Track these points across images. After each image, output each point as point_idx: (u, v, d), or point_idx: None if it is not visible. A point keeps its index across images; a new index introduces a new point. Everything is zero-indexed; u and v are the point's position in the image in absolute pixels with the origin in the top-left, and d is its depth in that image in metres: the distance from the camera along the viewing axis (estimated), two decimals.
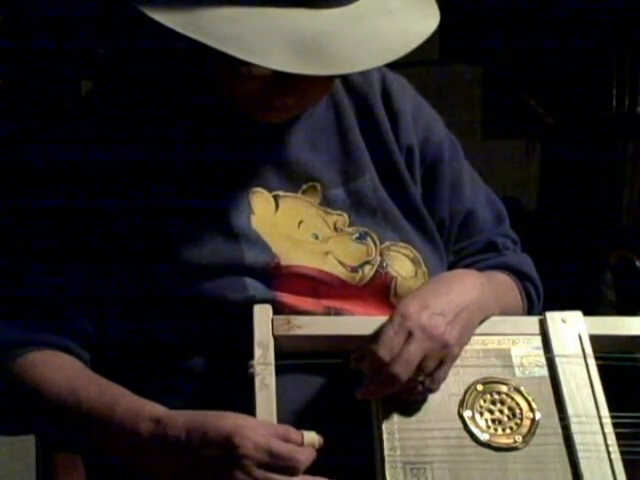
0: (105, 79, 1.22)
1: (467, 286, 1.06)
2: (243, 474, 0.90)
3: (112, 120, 1.09)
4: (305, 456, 0.92)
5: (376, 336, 0.97)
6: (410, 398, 1.00)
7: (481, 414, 1.02)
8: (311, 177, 1.13)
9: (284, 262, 1.07)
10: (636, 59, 2.81)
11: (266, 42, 0.91)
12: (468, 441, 1.00)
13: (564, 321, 1.09)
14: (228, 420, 0.93)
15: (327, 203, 1.13)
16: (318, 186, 1.13)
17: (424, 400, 1.02)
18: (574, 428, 1.01)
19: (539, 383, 1.05)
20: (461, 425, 1.01)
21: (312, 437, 0.94)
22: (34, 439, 1.17)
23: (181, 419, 0.94)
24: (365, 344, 0.98)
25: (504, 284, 1.20)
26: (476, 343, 1.06)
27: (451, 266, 1.21)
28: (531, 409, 1.03)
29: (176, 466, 0.94)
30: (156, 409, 0.97)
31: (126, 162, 1.07)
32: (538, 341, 1.08)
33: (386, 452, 0.98)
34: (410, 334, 0.97)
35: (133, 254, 1.05)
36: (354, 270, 1.10)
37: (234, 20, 0.91)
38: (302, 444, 0.93)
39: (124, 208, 1.06)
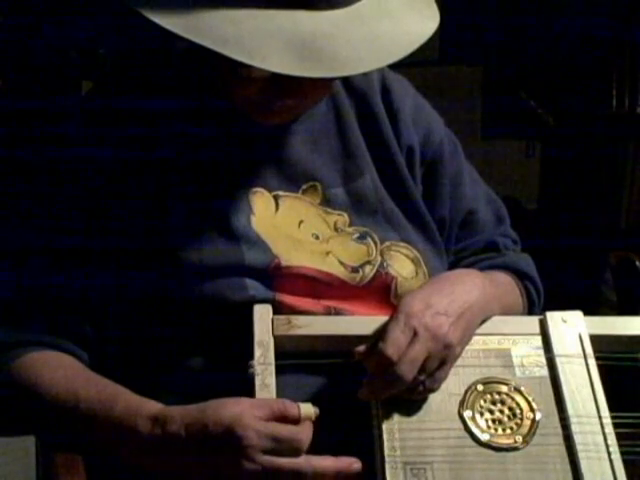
0: (105, 79, 1.22)
1: (469, 286, 1.06)
2: (250, 463, 0.91)
3: (112, 120, 1.09)
4: (305, 434, 0.93)
5: (382, 335, 0.97)
6: (411, 398, 1.00)
7: (481, 414, 1.02)
8: (311, 177, 1.13)
9: (284, 262, 1.07)
10: (636, 59, 2.81)
11: (265, 44, 0.91)
12: (468, 441, 1.00)
13: (564, 321, 1.09)
14: (226, 410, 0.92)
15: (327, 203, 1.13)
16: (318, 186, 1.13)
17: (424, 400, 1.02)
18: (574, 428, 1.01)
19: (539, 383, 1.05)
20: (461, 425, 1.01)
21: (309, 409, 0.94)
22: (34, 439, 1.17)
23: (179, 415, 0.94)
24: (370, 341, 0.98)
25: (505, 284, 1.20)
26: (476, 343, 1.06)
27: (451, 266, 1.21)
28: (531, 409, 1.03)
29: (177, 463, 0.94)
30: (154, 407, 0.97)
31: (125, 162, 1.07)
32: (538, 341, 1.08)
33: (386, 452, 0.98)
34: (415, 333, 0.97)
35: (133, 254, 1.05)
36: (354, 270, 1.10)
37: (233, 22, 0.91)
38: (299, 417, 0.93)
39: (124, 208, 1.06)
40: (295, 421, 0.93)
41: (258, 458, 0.91)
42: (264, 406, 0.93)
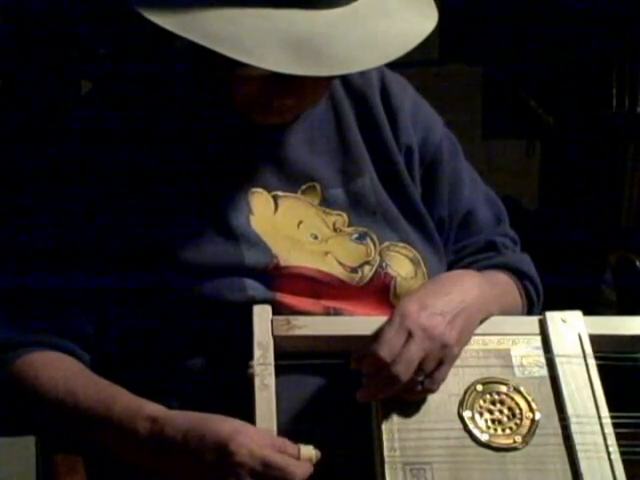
0: (105, 79, 1.22)
1: (467, 286, 1.06)
2: None
3: (111, 120, 1.09)
4: (301, 470, 0.92)
5: (376, 336, 0.97)
6: (410, 398, 1.00)
7: (481, 414, 1.02)
8: (310, 177, 1.13)
9: (283, 262, 1.07)
10: (636, 59, 2.81)
11: (263, 43, 0.91)
12: (468, 441, 1.00)
13: (564, 321, 1.09)
14: (226, 425, 0.93)
15: (326, 203, 1.13)
16: (317, 186, 1.13)
17: (424, 400, 1.02)
18: (574, 428, 1.01)
19: (539, 383, 1.05)
20: (461, 425, 1.01)
21: (309, 452, 0.94)
22: (34, 439, 1.17)
23: (179, 420, 0.94)
24: (364, 344, 0.98)
25: (504, 284, 1.20)
26: (476, 343, 1.06)
27: (451, 265, 1.21)
28: (531, 409, 1.03)
29: (173, 466, 0.95)
30: (154, 409, 0.97)
31: (125, 162, 1.07)
32: (538, 341, 1.08)
33: (386, 453, 0.98)
34: (410, 334, 0.97)
35: (133, 255, 1.05)
36: (353, 270, 1.10)
37: (231, 21, 0.91)
38: (298, 458, 0.93)
39: (123, 208, 1.06)
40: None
41: (245, 478, 0.90)
42: (265, 436, 0.93)
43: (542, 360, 1.06)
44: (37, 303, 1.06)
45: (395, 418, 1.00)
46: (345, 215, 1.13)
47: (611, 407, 1.04)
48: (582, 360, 1.06)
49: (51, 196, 1.08)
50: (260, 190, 1.10)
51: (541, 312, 1.12)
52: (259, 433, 0.93)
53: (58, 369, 1.04)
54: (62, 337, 1.06)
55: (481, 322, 1.07)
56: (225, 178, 1.09)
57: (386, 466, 0.97)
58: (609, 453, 1.00)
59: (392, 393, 0.98)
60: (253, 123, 1.08)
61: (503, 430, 1.02)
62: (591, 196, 2.92)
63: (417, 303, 1.00)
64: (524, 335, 1.08)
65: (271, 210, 1.10)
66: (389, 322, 0.98)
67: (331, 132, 1.15)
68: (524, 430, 1.02)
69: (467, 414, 1.02)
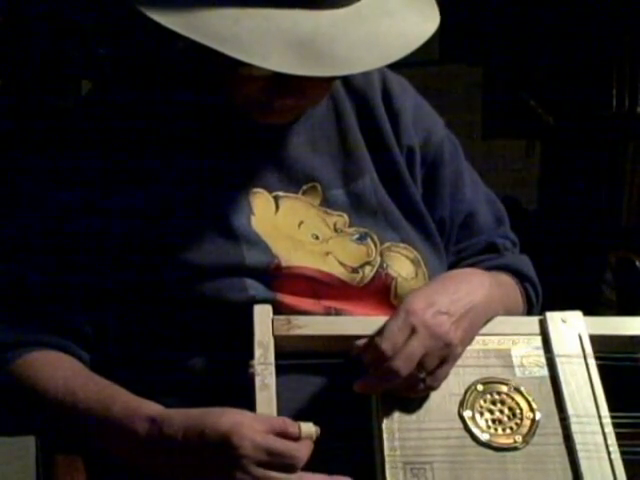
0: (105, 79, 1.22)
1: (475, 286, 1.06)
2: (243, 474, 0.91)
3: (112, 121, 1.09)
4: (303, 452, 0.93)
5: (380, 330, 0.98)
6: (410, 396, 1.01)
7: (481, 414, 1.02)
8: (311, 178, 1.13)
9: (284, 263, 1.07)
10: (636, 59, 2.81)
11: (265, 43, 0.91)
12: (468, 441, 1.00)
13: (564, 321, 1.09)
14: (225, 418, 0.92)
15: (327, 204, 1.13)
16: (318, 187, 1.13)
17: (424, 400, 1.02)
18: (574, 428, 1.01)
19: (539, 383, 1.05)
20: (461, 425, 1.01)
21: (309, 429, 0.94)
22: (34, 439, 1.17)
23: (177, 418, 0.94)
24: (369, 336, 0.98)
25: (507, 285, 1.20)
26: (476, 343, 1.06)
27: (451, 266, 1.21)
28: (531, 409, 1.03)
29: (174, 465, 0.94)
30: (152, 408, 0.97)
31: (126, 163, 1.07)
32: (538, 341, 1.08)
33: (386, 452, 0.98)
34: (414, 330, 0.97)
35: (134, 255, 1.05)
36: (354, 271, 1.10)
37: (234, 21, 0.92)
38: (299, 437, 0.93)
39: (124, 209, 1.06)
40: (295, 439, 0.93)
41: (251, 469, 0.91)
42: (265, 421, 0.93)
43: (542, 360, 1.07)
44: (37, 303, 1.06)
45: (395, 417, 1.00)
46: (346, 216, 1.13)
47: (611, 407, 1.04)
48: (582, 360, 1.06)
49: (51, 196, 1.08)
50: (261, 190, 1.10)
51: (541, 312, 1.12)
52: (258, 420, 0.93)
53: (58, 369, 1.04)
54: (62, 337, 1.06)
55: (486, 322, 1.07)
56: (226, 178, 1.09)
57: (386, 465, 0.97)
58: (609, 453, 1.00)
59: (391, 387, 0.98)
60: (254, 123, 1.08)
61: (503, 430, 1.02)
62: (591, 196, 2.92)
63: (424, 300, 1.00)
64: (524, 335, 1.08)
65: (272, 210, 1.10)
66: (394, 317, 0.99)
67: (332, 133, 1.16)
68: (524, 430, 1.02)
69: (467, 414, 1.02)
